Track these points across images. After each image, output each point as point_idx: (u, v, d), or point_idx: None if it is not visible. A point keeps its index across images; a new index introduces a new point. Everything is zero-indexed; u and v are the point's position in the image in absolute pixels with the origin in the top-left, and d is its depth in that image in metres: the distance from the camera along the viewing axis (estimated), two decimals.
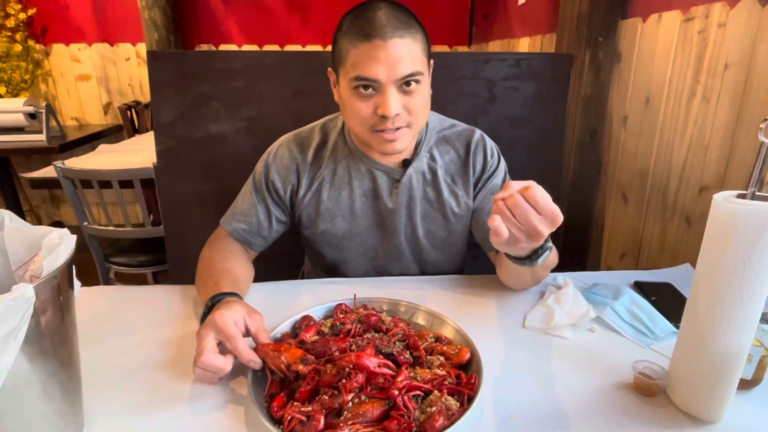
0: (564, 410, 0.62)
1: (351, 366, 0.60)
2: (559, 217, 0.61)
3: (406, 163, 0.95)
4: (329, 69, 0.88)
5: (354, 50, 0.78)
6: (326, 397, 0.57)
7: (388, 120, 0.80)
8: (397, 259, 1.01)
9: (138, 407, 0.63)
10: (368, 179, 0.95)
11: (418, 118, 0.84)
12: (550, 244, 0.71)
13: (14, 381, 0.46)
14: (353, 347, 0.65)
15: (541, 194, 0.60)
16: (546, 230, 0.61)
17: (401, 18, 0.78)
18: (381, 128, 0.82)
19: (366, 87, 0.79)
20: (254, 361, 0.64)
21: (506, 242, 0.63)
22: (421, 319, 0.79)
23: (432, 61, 0.88)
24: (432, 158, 0.96)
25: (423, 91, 0.82)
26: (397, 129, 0.82)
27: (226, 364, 0.64)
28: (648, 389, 0.65)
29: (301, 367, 0.62)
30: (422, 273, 1.04)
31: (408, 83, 0.79)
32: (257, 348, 0.66)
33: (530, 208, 0.60)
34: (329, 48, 0.88)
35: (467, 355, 0.67)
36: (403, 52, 0.77)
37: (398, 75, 0.77)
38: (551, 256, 0.75)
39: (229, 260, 0.88)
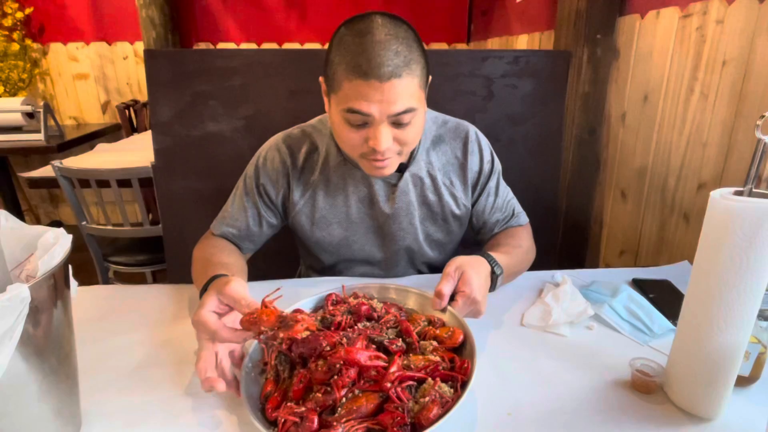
0: (561, 408, 0.63)
1: (342, 362, 0.59)
2: (480, 314, 0.77)
3: (402, 168, 0.93)
4: (321, 78, 0.84)
5: (348, 84, 0.74)
6: (319, 395, 0.57)
7: (378, 152, 0.79)
8: (395, 265, 1.01)
9: (135, 407, 0.63)
10: (364, 185, 0.94)
11: (409, 146, 0.83)
12: (497, 272, 0.83)
13: (10, 381, 0.46)
14: (344, 341, 0.64)
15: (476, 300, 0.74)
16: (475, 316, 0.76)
17: (401, 53, 0.73)
18: (371, 157, 0.81)
19: (358, 120, 0.77)
20: (245, 338, 0.63)
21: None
22: (412, 303, 0.79)
23: (430, 78, 0.84)
24: (429, 162, 0.95)
25: (416, 123, 0.80)
26: (387, 158, 0.81)
27: (225, 356, 0.64)
28: (646, 386, 0.65)
29: (280, 335, 0.59)
30: (418, 273, 1.05)
31: (401, 119, 0.77)
32: (241, 322, 0.63)
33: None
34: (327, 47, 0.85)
35: (460, 337, 0.67)
36: (400, 91, 0.74)
37: (392, 112, 0.75)
38: (509, 269, 0.88)
39: (217, 254, 0.88)
